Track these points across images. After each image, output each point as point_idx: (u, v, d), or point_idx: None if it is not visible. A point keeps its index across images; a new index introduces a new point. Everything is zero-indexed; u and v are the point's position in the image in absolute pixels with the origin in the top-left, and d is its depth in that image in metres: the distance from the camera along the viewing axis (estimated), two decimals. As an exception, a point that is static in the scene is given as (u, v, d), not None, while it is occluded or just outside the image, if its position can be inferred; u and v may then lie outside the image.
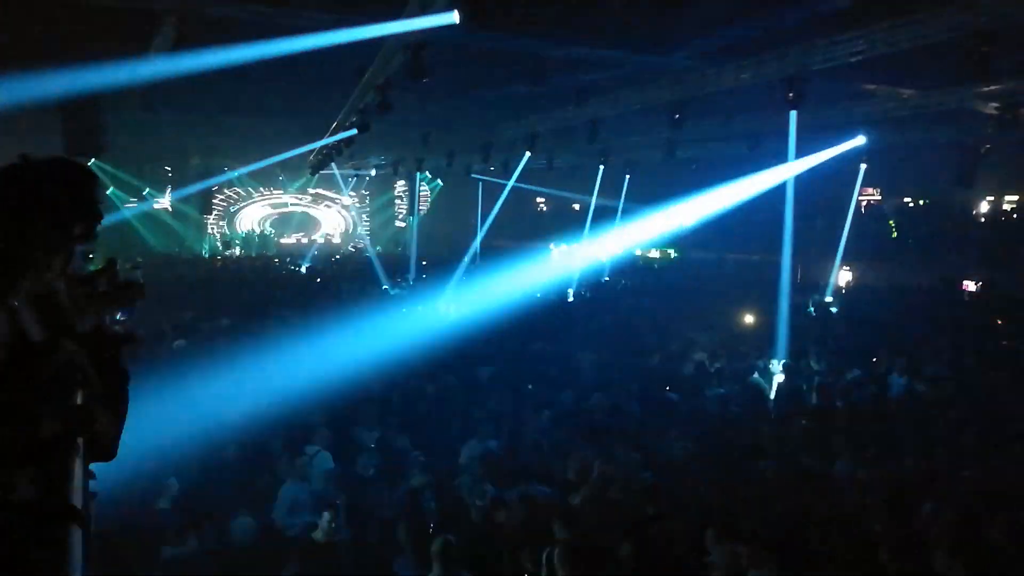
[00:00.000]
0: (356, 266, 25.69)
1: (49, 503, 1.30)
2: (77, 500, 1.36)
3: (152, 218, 31.47)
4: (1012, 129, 13.28)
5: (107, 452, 2.18)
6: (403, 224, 37.15)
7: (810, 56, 10.63)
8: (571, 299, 18.89)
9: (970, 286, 16.62)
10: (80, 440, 1.66)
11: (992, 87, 12.49)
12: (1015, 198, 19.92)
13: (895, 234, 19.94)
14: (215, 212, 32.76)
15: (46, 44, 11.95)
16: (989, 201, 20.26)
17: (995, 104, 13.33)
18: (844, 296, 18.15)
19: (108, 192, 29.34)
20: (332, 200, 35.93)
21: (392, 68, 11.75)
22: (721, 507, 5.40)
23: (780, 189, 22.39)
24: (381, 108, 12.98)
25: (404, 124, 19.70)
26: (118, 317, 3.34)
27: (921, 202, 21.12)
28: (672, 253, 26.04)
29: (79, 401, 1.85)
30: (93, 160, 25.32)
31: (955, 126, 15.31)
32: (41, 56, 12.29)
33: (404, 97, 13.48)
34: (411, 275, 23.38)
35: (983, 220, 19.59)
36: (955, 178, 16.13)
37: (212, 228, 33.41)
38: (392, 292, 18.92)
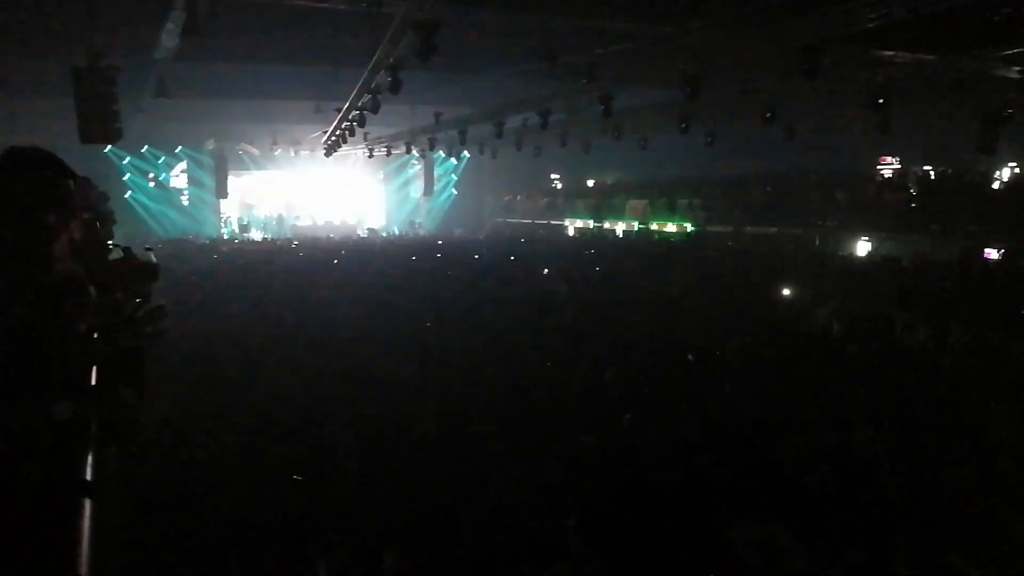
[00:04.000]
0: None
1: (61, 479, 1.33)
2: (88, 475, 1.38)
3: (168, 202, 31.70)
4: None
5: (130, 430, 2.20)
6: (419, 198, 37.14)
7: (828, 23, 10.42)
8: None
9: (993, 254, 16.37)
10: (95, 419, 1.68)
11: (1014, 50, 12.24)
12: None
13: (915, 204, 19.64)
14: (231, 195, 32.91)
15: (58, 28, 11.99)
16: (1011, 168, 19.93)
17: (1017, 68, 13.07)
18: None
19: (125, 178, 29.61)
20: (347, 181, 35.98)
21: (402, 47, 11.70)
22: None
23: (799, 161, 22.32)
24: (392, 88, 12.95)
25: (416, 103, 19.66)
26: (136, 300, 3.39)
27: (946, 170, 20.79)
28: (688, 227, 25.86)
29: (93, 383, 1.87)
30: (109, 147, 25.59)
31: (976, 91, 15.02)
32: (53, 40, 12.36)
33: (415, 76, 13.44)
34: None
35: (1006, 187, 19.25)
36: (976, 144, 15.86)
37: (229, 212, 33.59)
38: None
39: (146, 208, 29.94)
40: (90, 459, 1.44)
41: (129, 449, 2.45)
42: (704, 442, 6.32)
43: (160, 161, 31.18)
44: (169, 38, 12.54)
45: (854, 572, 4.56)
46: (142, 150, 30.07)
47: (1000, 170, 19.88)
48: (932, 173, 21.07)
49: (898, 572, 4.45)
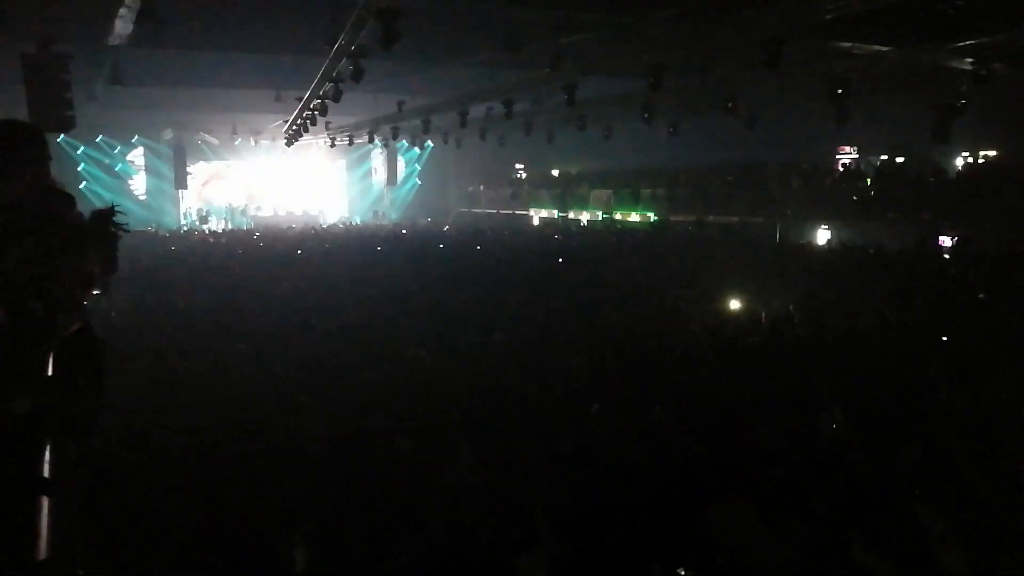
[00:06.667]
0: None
1: (17, 476, 1.29)
2: (46, 472, 1.34)
3: (125, 193, 31.06)
4: (986, 84, 13.34)
5: (86, 426, 2.16)
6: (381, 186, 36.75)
7: (789, 14, 10.55)
8: None
9: (947, 242, 16.79)
10: (53, 413, 1.63)
11: (967, 42, 12.51)
12: (990, 153, 20.07)
13: (873, 192, 20.06)
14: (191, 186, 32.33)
15: (7, 12, 11.62)
16: (964, 157, 20.41)
17: (969, 60, 13.37)
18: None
19: (80, 168, 28.89)
20: (309, 170, 35.56)
21: (365, 35, 11.57)
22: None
23: (759, 151, 22.62)
24: (354, 76, 12.81)
25: (379, 92, 19.47)
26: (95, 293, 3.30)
27: (901, 159, 21.24)
28: (652, 217, 26.07)
29: (51, 378, 1.82)
30: (62, 137, 24.92)
31: (931, 82, 15.34)
32: (2, 25, 11.99)
33: (378, 65, 13.30)
34: None
35: (958, 175, 19.74)
36: (930, 134, 16.21)
37: (188, 203, 33.03)
38: None
39: (101, 199, 29.26)
40: (47, 455, 1.40)
41: (88, 444, 2.40)
42: (673, 428, 6.39)
43: (116, 151, 30.49)
44: (123, 24, 12.23)
45: (813, 549, 4.66)
46: (96, 139, 29.37)
47: (954, 159, 20.36)
48: (888, 162, 21.50)
49: (855, 553, 4.56)
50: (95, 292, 3.25)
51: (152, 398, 6.79)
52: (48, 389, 1.76)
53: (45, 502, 1.22)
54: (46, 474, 1.32)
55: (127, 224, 2.82)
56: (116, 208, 2.67)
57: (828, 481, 5.31)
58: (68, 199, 2.64)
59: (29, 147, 2.40)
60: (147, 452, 5.59)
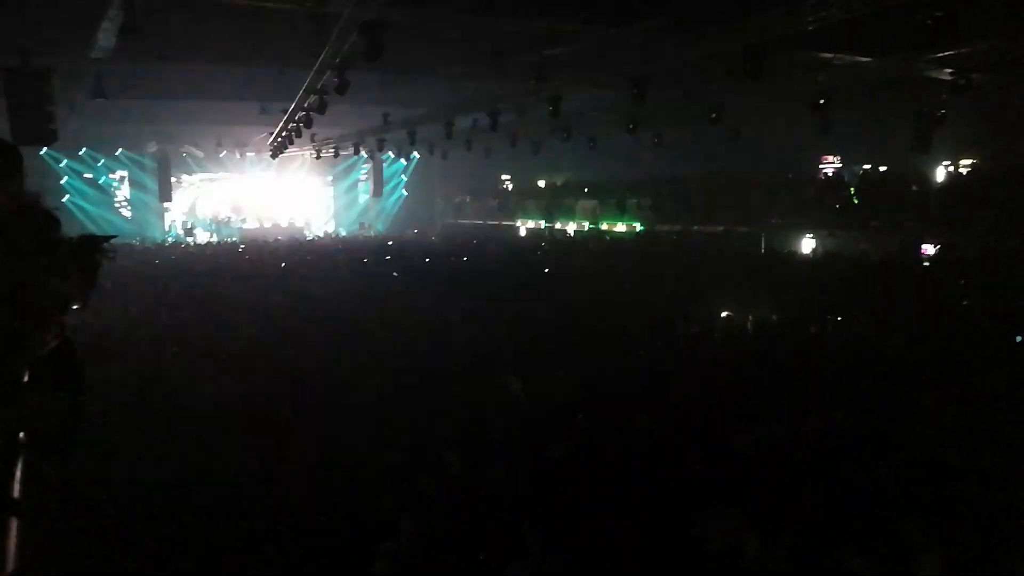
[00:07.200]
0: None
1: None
2: (16, 492, 1.32)
3: (109, 206, 30.89)
4: (965, 94, 13.49)
5: (65, 443, 2.13)
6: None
7: (770, 25, 10.64)
8: None
9: (929, 249, 16.94)
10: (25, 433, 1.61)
11: (946, 53, 12.66)
12: (970, 162, 20.29)
13: (856, 201, 20.21)
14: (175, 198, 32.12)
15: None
16: (945, 165, 20.62)
17: (949, 70, 13.52)
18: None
19: (63, 182, 28.69)
20: (294, 182, 35.42)
21: (348, 48, 11.58)
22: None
23: (743, 162, 22.75)
24: (339, 88, 12.82)
25: (364, 104, 19.46)
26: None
27: (882, 168, 21.43)
28: (638, 227, 26.15)
29: (29, 395, 1.80)
30: (44, 150, 24.74)
31: (910, 92, 15.51)
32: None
33: (363, 77, 13.30)
34: None
35: (939, 184, 19.94)
36: (912, 143, 16.38)
37: (173, 215, 32.84)
38: None
39: (85, 212, 29.02)
40: (18, 474, 1.38)
41: (67, 461, 2.37)
42: (662, 435, 6.39)
43: (99, 164, 30.28)
44: (106, 37, 12.17)
45: (802, 555, 4.66)
46: (80, 152, 29.16)
47: (935, 168, 20.56)
48: (871, 172, 21.68)
49: (846, 557, 4.56)
50: (74, 307, 3.22)
51: (134, 413, 6.73)
52: (25, 407, 1.73)
53: (14, 523, 1.20)
54: (16, 494, 1.30)
55: (113, 252, 2.81)
56: (111, 240, 2.66)
57: (816, 487, 5.33)
58: (51, 219, 2.61)
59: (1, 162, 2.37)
60: (126, 470, 5.53)
